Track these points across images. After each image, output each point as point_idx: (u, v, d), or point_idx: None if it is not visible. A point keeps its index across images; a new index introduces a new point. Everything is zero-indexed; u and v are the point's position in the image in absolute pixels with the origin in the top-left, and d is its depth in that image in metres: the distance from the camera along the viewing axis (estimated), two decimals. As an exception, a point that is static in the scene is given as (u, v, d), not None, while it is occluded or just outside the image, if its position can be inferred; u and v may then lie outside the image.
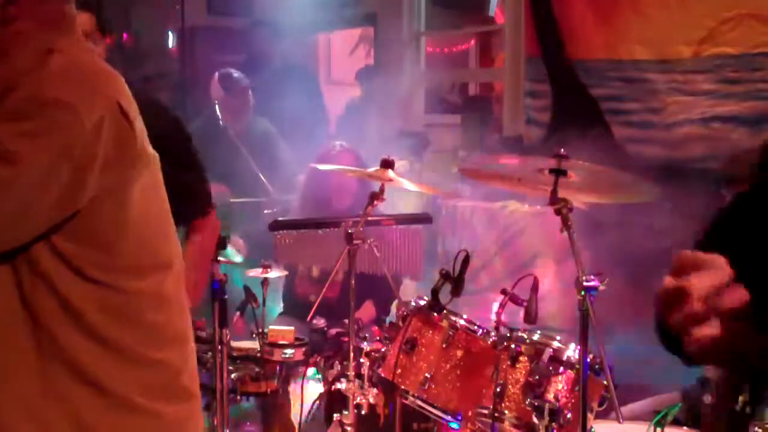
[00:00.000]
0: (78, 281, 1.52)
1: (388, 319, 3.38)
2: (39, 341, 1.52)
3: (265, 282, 3.60)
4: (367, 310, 4.09)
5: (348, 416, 3.17)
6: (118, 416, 1.56)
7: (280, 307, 4.51)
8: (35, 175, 1.44)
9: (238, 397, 3.48)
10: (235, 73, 5.49)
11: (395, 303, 3.42)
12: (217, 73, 5.47)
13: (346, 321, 3.20)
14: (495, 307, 2.68)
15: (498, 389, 2.61)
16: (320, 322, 3.76)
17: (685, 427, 2.87)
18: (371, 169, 3.30)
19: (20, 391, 1.52)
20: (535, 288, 2.63)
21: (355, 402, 3.14)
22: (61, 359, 1.53)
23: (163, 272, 1.64)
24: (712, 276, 1.12)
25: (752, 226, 1.36)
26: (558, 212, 2.49)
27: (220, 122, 5.31)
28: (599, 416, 2.75)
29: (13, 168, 1.42)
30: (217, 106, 5.35)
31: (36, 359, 1.51)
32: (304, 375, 3.61)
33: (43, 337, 1.52)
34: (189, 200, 1.80)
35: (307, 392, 3.60)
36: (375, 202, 3.17)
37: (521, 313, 2.64)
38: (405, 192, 3.63)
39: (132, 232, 1.56)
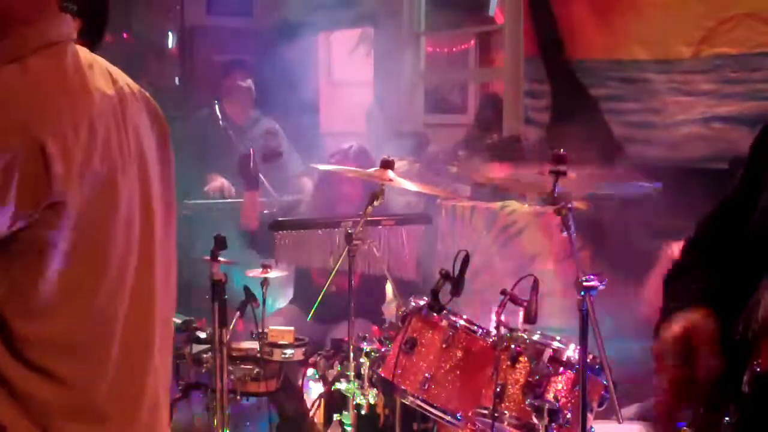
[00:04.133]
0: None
1: (387, 320, 3.38)
2: None
3: (265, 282, 3.60)
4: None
5: (348, 416, 3.18)
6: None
7: (279, 303, 4.51)
8: None
9: (238, 397, 3.49)
10: (237, 65, 5.55)
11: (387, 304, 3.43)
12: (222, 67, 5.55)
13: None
14: (495, 307, 2.67)
15: (498, 389, 2.61)
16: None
17: (684, 427, 2.87)
18: (371, 169, 3.30)
19: None
20: (535, 288, 2.63)
21: (355, 402, 3.14)
22: None
23: (78, 311, 1.54)
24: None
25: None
26: (558, 212, 2.49)
27: (220, 122, 5.32)
28: (599, 416, 2.75)
29: None
30: (216, 106, 5.36)
31: None
32: (304, 375, 3.61)
33: None
34: None
35: (308, 392, 3.61)
36: (375, 202, 3.18)
37: (521, 313, 2.64)
38: (405, 192, 3.63)
39: (46, 280, 1.48)
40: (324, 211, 4.17)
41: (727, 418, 1.24)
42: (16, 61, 1.47)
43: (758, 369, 1.16)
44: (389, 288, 3.96)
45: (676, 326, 1.41)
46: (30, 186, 1.42)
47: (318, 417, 3.52)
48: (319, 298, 3.39)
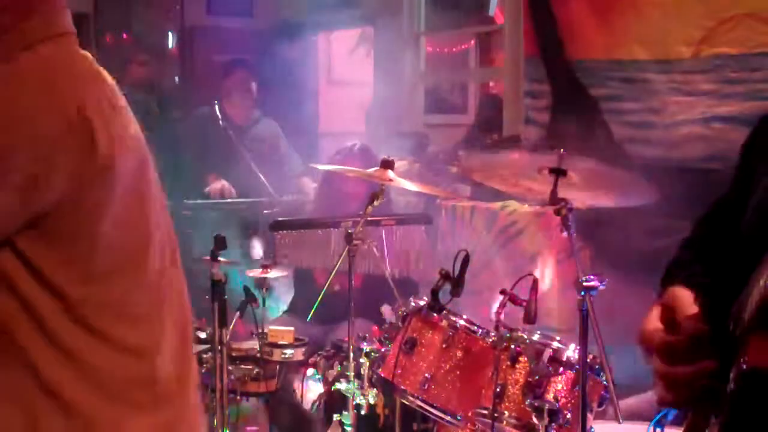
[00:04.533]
0: (38, 284, 1.46)
1: (387, 320, 3.38)
2: None
3: (264, 282, 3.60)
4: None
5: (348, 416, 3.17)
6: (77, 429, 1.49)
7: (280, 304, 4.51)
8: None
9: (238, 397, 3.49)
10: (238, 65, 5.56)
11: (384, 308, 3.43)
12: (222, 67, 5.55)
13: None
14: (495, 307, 2.67)
15: (498, 389, 2.61)
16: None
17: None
18: (371, 169, 3.30)
19: None
20: (534, 288, 2.63)
21: (355, 402, 3.14)
22: (21, 364, 1.47)
23: (132, 279, 1.56)
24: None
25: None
26: (558, 212, 2.49)
27: (220, 122, 5.32)
28: (599, 416, 2.75)
29: None
30: (216, 106, 5.36)
31: None
32: (304, 375, 3.61)
33: (3, 340, 1.46)
34: None
35: (308, 392, 3.60)
36: (375, 202, 3.18)
37: (521, 313, 2.64)
38: (405, 192, 3.63)
39: (100, 243, 1.50)
40: (328, 211, 4.17)
41: (714, 416, 1.23)
42: (30, 49, 1.48)
43: (745, 366, 1.16)
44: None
45: (655, 309, 1.42)
46: (76, 160, 1.44)
47: (318, 417, 3.52)
48: (319, 299, 3.39)
